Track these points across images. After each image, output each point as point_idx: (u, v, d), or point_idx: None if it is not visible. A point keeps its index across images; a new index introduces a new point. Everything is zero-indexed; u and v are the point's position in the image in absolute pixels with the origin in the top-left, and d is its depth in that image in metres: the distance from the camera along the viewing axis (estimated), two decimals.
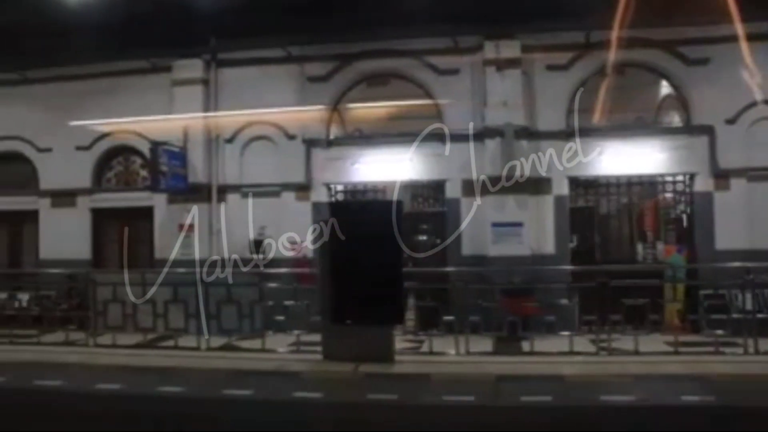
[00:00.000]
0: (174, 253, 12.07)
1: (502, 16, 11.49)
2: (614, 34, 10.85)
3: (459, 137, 11.84)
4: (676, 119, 12.32)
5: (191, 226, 12.52)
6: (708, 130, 11.55)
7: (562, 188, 11.87)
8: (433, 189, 12.53)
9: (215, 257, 12.21)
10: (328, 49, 12.49)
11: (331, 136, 12.76)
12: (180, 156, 12.63)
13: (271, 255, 12.23)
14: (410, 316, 10.52)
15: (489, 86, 11.90)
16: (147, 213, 13.14)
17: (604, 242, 12.09)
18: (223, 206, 12.80)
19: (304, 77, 12.68)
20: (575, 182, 12.00)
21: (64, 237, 13.32)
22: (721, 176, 11.48)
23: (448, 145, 11.92)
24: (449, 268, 11.16)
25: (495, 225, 11.60)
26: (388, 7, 11.38)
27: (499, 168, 11.44)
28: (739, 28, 10.29)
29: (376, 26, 11.74)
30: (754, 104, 11.33)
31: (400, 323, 9.49)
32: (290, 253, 12.04)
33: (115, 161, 13.77)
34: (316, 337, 9.22)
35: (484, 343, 9.54)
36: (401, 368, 8.49)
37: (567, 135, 11.68)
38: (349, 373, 8.23)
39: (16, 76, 13.71)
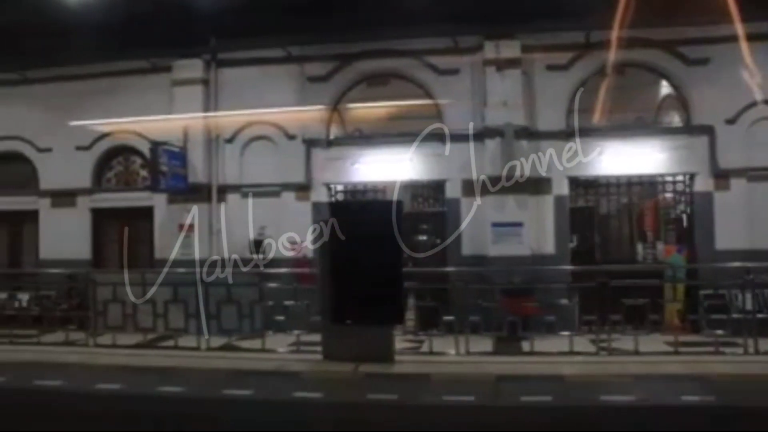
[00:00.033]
0: (174, 253, 12.07)
1: (502, 16, 11.47)
2: (614, 34, 10.85)
3: (459, 137, 11.84)
4: (676, 119, 12.32)
5: (191, 226, 12.52)
6: (708, 130, 11.55)
7: (562, 188, 11.87)
8: (433, 189, 12.52)
9: (215, 257, 12.20)
10: (328, 49, 12.48)
11: (331, 136, 12.76)
12: (180, 156, 12.62)
13: (270, 255, 12.22)
14: (410, 316, 10.52)
15: (489, 86, 11.90)
16: (147, 213, 13.14)
17: (604, 242, 12.09)
18: (222, 206, 12.79)
19: (304, 77, 12.67)
20: (575, 182, 12.00)
21: (64, 237, 13.32)
22: (721, 176, 11.47)
23: (448, 145, 11.91)
24: (449, 268, 11.16)
25: (495, 225, 11.59)
26: (388, 7, 11.38)
27: (499, 168, 11.44)
28: (739, 28, 10.28)
29: (376, 26, 11.73)
30: (754, 104, 11.33)
31: (401, 323, 9.49)
32: (290, 253, 12.04)
33: (115, 161, 13.77)
34: (316, 337, 9.22)
35: (484, 343, 9.53)
36: (401, 368, 8.48)
37: (567, 135, 11.68)
38: (349, 373, 8.22)
39: (16, 76, 13.70)
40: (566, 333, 9.20)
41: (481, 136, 11.80)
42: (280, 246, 12.15)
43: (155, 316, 10.23)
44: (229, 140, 12.95)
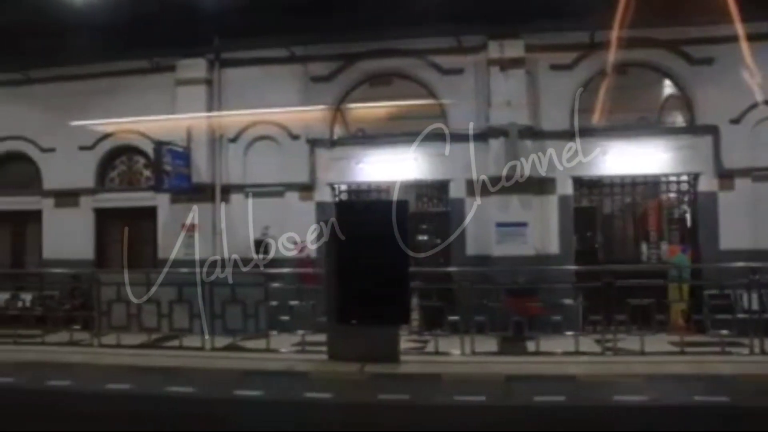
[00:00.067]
0: (174, 253, 12.02)
1: (506, 16, 11.48)
2: (618, 34, 10.84)
3: (463, 137, 11.83)
4: (679, 119, 12.32)
5: (194, 226, 12.51)
6: (712, 130, 11.55)
7: (567, 188, 11.87)
8: (437, 189, 12.52)
9: (214, 257, 12.17)
10: (331, 49, 12.49)
11: (335, 136, 12.76)
12: (183, 156, 12.62)
13: (270, 255, 12.19)
14: (414, 316, 10.48)
15: (493, 86, 11.89)
16: (150, 213, 13.12)
17: (609, 242, 12.10)
18: (222, 206, 12.78)
19: (307, 77, 12.67)
20: (579, 182, 12.00)
21: (67, 237, 13.32)
22: (726, 176, 11.48)
23: (448, 145, 11.87)
24: (453, 268, 11.16)
25: (499, 225, 11.60)
26: (391, 6, 11.40)
27: (503, 168, 11.43)
28: (739, 28, 10.28)
29: (380, 26, 11.71)
30: (758, 104, 11.31)
31: (406, 323, 9.48)
32: (291, 253, 12.00)
33: (118, 161, 13.77)
34: (321, 337, 9.20)
35: (489, 343, 9.49)
36: (407, 368, 8.46)
37: (571, 135, 11.64)
38: (355, 373, 8.20)
39: (19, 76, 13.70)
40: (571, 333, 9.19)
41: (485, 135, 11.80)
42: (280, 246, 12.13)
43: (160, 316, 10.18)
44: (233, 140, 12.94)
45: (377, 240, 8.64)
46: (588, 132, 11.61)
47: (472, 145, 11.73)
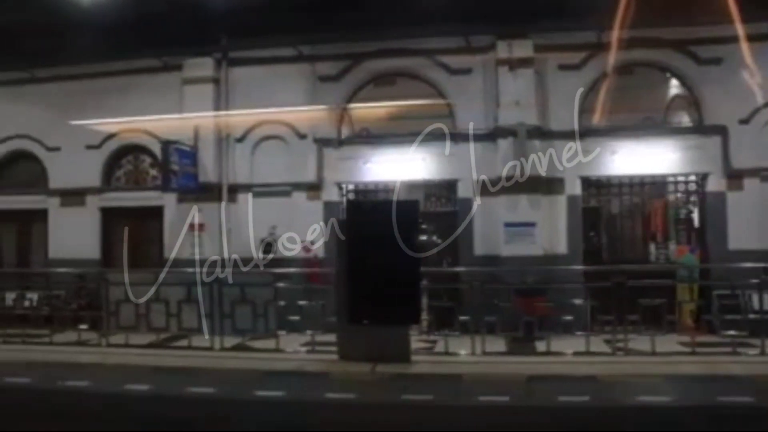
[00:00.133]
0: (174, 252, 11.93)
1: (515, 16, 11.44)
2: (625, 34, 10.81)
3: (472, 137, 11.79)
4: (686, 119, 12.33)
5: (201, 225, 12.48)
6: (721, 130, 11.54)
7: (575, 188, 11.87)
8: (446, 189, 12.49)
9: (214, 257, 12.09)
10: (339, 49, 12.46)
11: (343, 136, 12.74)
12: (191, 155, 12.58)
13: (271, 255, 12.15)
14: (423, 316, 10.47)
15: (501, 86, 11.88)
16: (157, 212, 13.09)
17: (617, 242, 12.09)
18: (223, 205, 12.71)
19: (315, 76, 12.64)
20: (588, 182, 11.99)
21: (73, 236, 13.28)
22: (734, 176, 11.48)
23: (448, 145, 11.86)
24: (462, 268, 11.14)
25: (508, 225, 11.58)
26: (400, 6, 11.36)
27: (511, 168, 11.42)
28: (740, 29, 10.26)
29: (388, 25, 11.68)
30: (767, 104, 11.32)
31: (417, 323, 9.48)
32: (294, 253, 11.93)
33: (124, 160, 13.73)
34: (330, 337, 9.18)
35: (498, 344, 9.46)
36: (419, 368, 8.44)
37: (580, 135, 11.63)
38: (368, 373, 8.17)
39: (25, 75, 13.65)
40: (580, 333, 9.17)
41: (493, 135, 11.80)
42: (280, 246, 12.11)
43: (168, 315, 10.14)
44: (240, 139, 12.92)
45: (388, 240, 8.61)
46: (596, 132, 11.61)
47: (472, 145, 11.70)
